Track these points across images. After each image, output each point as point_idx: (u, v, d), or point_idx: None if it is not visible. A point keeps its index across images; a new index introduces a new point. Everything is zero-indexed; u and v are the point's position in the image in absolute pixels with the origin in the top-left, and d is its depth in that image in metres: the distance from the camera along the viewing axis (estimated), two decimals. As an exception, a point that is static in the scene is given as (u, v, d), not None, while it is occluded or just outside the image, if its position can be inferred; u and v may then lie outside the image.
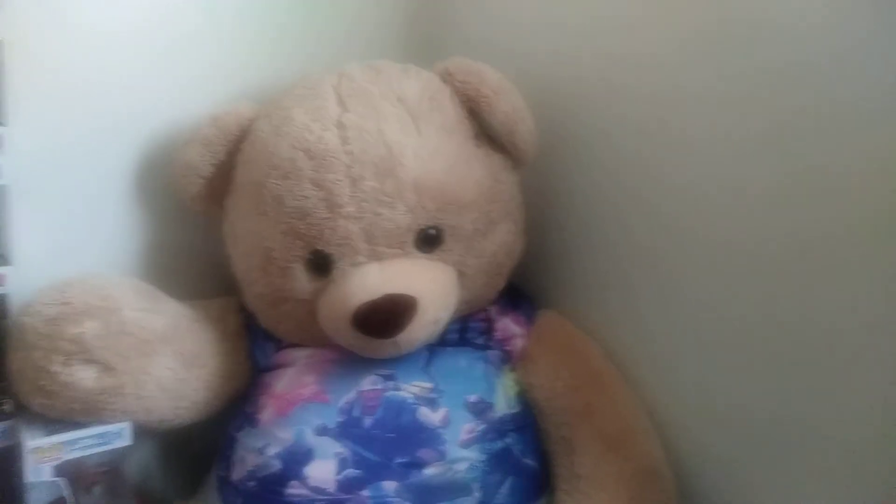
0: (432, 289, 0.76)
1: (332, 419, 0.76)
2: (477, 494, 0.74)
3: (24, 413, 0.76)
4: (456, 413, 0.76)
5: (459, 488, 0.74)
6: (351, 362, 0.79)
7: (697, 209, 0.73)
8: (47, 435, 0.74)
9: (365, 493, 0.72)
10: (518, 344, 0.84)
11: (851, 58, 0.60)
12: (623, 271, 0.82)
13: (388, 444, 0.75)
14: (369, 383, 0.78)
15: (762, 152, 0.67)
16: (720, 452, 0.74)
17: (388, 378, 0.78)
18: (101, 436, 0.76)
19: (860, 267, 0.61)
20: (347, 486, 0.73)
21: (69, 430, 0.75)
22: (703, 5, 0.71)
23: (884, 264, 0.60)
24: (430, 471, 0.74)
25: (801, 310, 0.66)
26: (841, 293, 0.63)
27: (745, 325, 0.70)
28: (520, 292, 0.89)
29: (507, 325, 0.85)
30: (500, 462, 0.76)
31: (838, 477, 0.65)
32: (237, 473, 0.78)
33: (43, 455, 0.74)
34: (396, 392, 0.77)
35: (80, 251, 0.83)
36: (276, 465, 0.75)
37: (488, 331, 0.84)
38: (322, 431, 0.75)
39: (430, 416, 0.76)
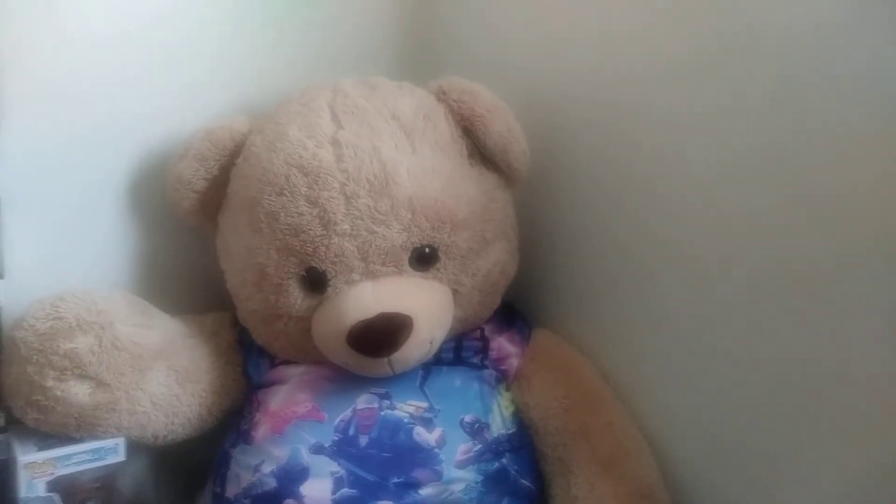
0: (427, 307, 0.76)
1: (328, 437, 0.76)
2: (473, 515, 0.74)
3: (17, 428, 0.76)
4: (451, 433, 0.76)
5: (456, 509, 0.74)
6: (346, 380, 0.79)
7: (692, 229, 0.73)
8: (41, 450, 0.74)
9: (361, 512, 0.72)
10: (513, 363, 0.84)
11: (851, 78, 0.59)
12: (617, 291, 0.82)
13: (384, 464, 0.74)
14: (364, 402, 0.78)
15: (760, 173, 0.66)
16: (710, 474, 0.74)
17: (382, 397, 0.78)
18: (94, 451, 0.76)
19: (856, 292, 0.61)
20: None
21: (63, 446, 0.75)
22: (699, 23, 0.70)
23: (880, 289, 0.59)
24: (426, 491, 0.73)
25: (794, 333, 0.65)
26: (835, 317, 0.62)
27: (739, 347, 0.70)
28: (514, 311, 0.89)
29: (502, 345, 0.85)
30: (496, 483, 0.76)
31: (831, 498, 0.65)
32: (232, 490, 0.78)
33: (36, 470, 0.74)
34: (391, 411, 0.77)
35: (72, 264, 0.83)
36: (271, 483, 0.75)
37: (483, 350, 0.84)
38: (317, 450, 0.75)
39: (426, 436, 0.76)
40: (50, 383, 0.73)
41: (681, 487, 0.77)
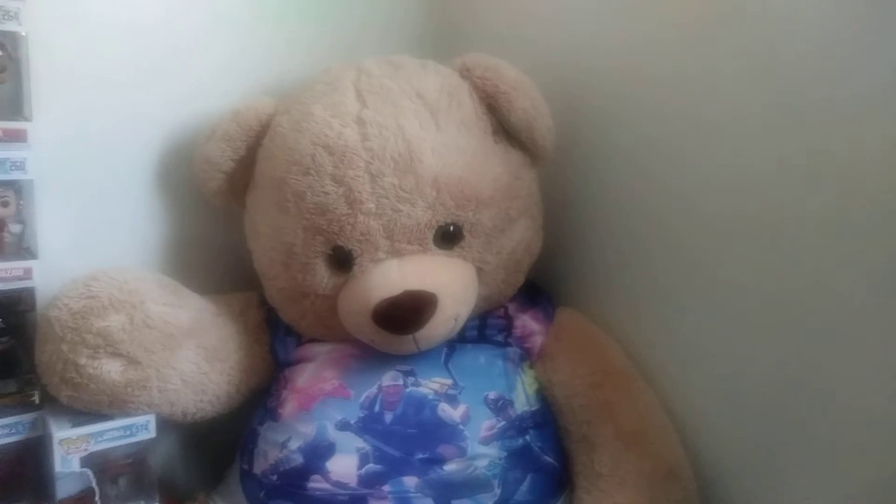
0: (452, 285, 0.77)
1: (354, 414, 0.77)
2: (497, 491, 0.74)
3: (51, 405, 0.77)
4: (476, 410, 0.77)
5: (480, 484, 0.74)
6: (371, 358, 0.80)
7: (722, 196, 0.72)
8: (74, 426, 0.75)
9: (386, 488, 0.73)
10: (537, 341, 0.84)
11: (868, 41, 0.60)
12: (645, 263, 0.81)
13: (409, 440, 0.75)
14: (390, 379, 0.78)
15: (788, 136, 0.66)
16: (745, 446, 0.73)
17: (408, 374, 0.78)
18: (126, 428, 0.77)
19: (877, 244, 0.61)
20: (368, 480, 0.73)
21: (96, 422, 0.76)
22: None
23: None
24: (450, 467, 0.74)
25: (835, 296, 0.64)
26: (876, 278, 0.61)
27: (774, 315, 0.69)
28: (538, 289, 0.89)
29: (527, 323, 0.85)
30: (520, 459, 0.77)
31: (866, 470, 0.64)
32: (259, 467, 0.79)
33: (71, 446, 0.75)
34: (417, 388, 0.78)
35: (103, 245, 0.84)
36: (298, 459, 0.76)
37: (507, 328, 0.84)
38: (343, 426, 0.76)
39: (451, 413, 0.76)
40: (83, 361, 0.74)
41: (710, 462, 0.76)
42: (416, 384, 0.78)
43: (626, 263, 0.84)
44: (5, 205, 0.75)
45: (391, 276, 0.75)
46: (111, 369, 0.75)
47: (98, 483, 0.76)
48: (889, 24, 0.58)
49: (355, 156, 0.75)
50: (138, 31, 0.83)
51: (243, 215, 0.85)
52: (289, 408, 0.79)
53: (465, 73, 0.80)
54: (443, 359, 0.80)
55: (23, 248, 0.77)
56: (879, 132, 0.60)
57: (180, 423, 0.82)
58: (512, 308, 0.85)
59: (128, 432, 0.77)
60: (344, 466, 0.74)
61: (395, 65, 0.81)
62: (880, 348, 0.61)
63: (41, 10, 0.76)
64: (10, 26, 0.72)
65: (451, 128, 0.77)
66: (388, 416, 0.76)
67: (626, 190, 0.82)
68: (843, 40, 0.61)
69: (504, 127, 0.80)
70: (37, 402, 0.77)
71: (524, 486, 0.76)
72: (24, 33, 0.73)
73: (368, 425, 0.76)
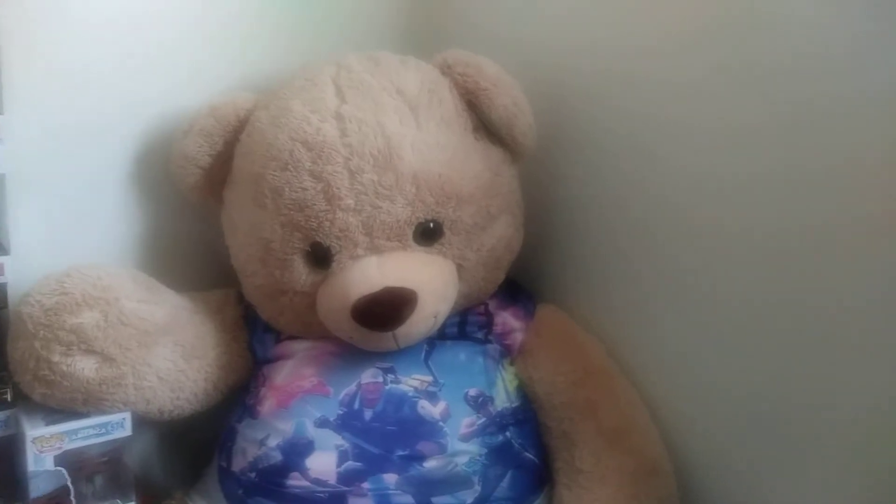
0: (431, 282, 0.76)
1: (333, 411, 0.76)
2: (477, 488, 0.74)
3: (24, 403, 0.76)
4: (456, 406, 0.77)
5: (460, 481, 0.74)
6: (351, 355, 0.79)
7: (701, 199, 0.73)
8: (48, 424, 0.75)
9: (365, 485, 0.73)
10: (517, 338, 0.84)
11: (854, 50, 0.60)
12: (625, 263, 0.82)
13: (389, 437, 0.75)
14: (369, 376, 0.78)
15: (767, 142, 0.66)
16: (724, 445, 0.74)
17: (387, 371, 0.78)
18: (101, 426, 0.77)
19: (867, 256, 0.61)
20: (348, 478, 0.73)
21: (70, 420, 0.75)
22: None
23: (890, 253, 0.59)
24: (430, 464, 0.74)
25: (809, 300, 0.65)
26: (849, 282, 0.62)
27: (751, 317, 0.70)
28: (519, 287, 0.89)
29: (507, 319, 0.85)
30: (500, 455, 0.77)
31: (843, 468, 0.65)
32: (238, 464, 0.78)
33: (44, 444, 0.74)
34: (396, 385, 0.78)
35: (78, 241, 0.83)
36: (277, 457, 0.76)
37: (488, 325, 0.84)
38: (322, 423, 0.76)
39: (430, 410, 0.76)
40: (56, 358, 0.73)
41: (690, 460, 0.77)
42: (396, 381, 0.78)
43: (605, 265, 0.84)
44: (-24, 199, 0.74)
45: (370, 272, 0.75)
46: (85, 366, 0.74)
47: (73, 482, 0.75)
48: (885, 29, 0.58)
49: (334, 151, 0.75)
50: (116, 24, 0.82)
51: (220, 211, 0.85)
52: (267, 405, 0.79)
53: (446, 70, 0.80)
54: (423, 356, 0.80)
55: (-6, 244, 0.76)
56: (871, 140, 0.60)
57: (157, 420, 0.82)
58: (492, 305, 0.85)
59: (103, 430, 0.77)
60: (323, 464, 0.74)
61: (376, 60, 0.81)
62: (866, 354, 0.62)
63: (16, 1, 0.74)
64: (-20, 18, 0.71)
65: (431, 124, 0.77)
66: (368, 414, 0.76)
67: (606, 191, 0.83)
68: (833, 47, 0.61)
69: (484, 124, 0.80)
70: (9, 399, 0.76)
71: (504, 483, 0.76)
72: (-3, 25, 0.72)
73: (348, 422, 0.76)
